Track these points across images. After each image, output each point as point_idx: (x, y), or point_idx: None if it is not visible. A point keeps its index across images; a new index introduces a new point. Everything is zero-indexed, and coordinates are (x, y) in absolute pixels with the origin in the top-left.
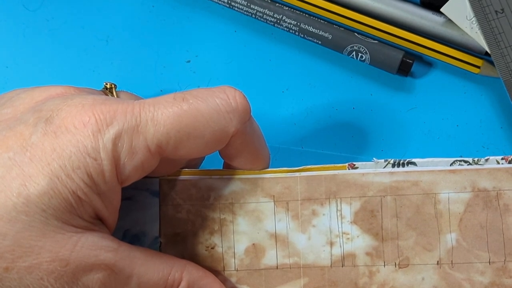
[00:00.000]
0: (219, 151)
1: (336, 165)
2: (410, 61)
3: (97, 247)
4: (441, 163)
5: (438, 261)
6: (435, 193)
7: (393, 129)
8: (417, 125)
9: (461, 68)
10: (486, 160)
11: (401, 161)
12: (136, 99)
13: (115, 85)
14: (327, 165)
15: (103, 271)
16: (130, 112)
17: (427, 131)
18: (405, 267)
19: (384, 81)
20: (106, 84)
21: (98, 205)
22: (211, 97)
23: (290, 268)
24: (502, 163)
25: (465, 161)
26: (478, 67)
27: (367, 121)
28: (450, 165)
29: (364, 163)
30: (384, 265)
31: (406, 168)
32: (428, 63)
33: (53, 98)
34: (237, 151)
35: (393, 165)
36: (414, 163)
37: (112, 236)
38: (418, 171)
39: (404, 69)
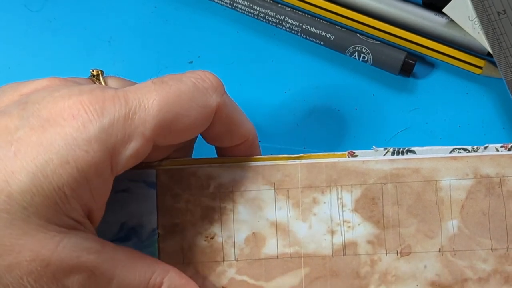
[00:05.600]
0: (207, 135)
1: (336, 153)
2: (412, 62)
3: (80, 248)
4: (440, 151)
5: (440, 249)
6: (436, 180)
7: (395, 130)
8: (419, 126)
9: (463, 69)
10: (485, 147)
11: (401, 149)
12: (126, 83)
13: (102, 71)
14: (327, 153)
15: (84, 273)
16: (117, 101)
17: (429, 131)
18: (407, 255)
19: (386, 81)
20: (93, 71)
21: (87, 200)
22: (185, 77)
23: (291, 257)
24: (501, 151)
25: (464, 149)
26: (480, 67)
27: (370, 122)
28: (450, 153)
29: (363, 151)
30: (386, 253)
31: (406, 156)
32: (430, 64)
33: (38, 91)
34: (224, 127)
35: (393, 153)
36: (413, 151)
37: (96, 236)
38: (418, 158)
39: (406, 70)
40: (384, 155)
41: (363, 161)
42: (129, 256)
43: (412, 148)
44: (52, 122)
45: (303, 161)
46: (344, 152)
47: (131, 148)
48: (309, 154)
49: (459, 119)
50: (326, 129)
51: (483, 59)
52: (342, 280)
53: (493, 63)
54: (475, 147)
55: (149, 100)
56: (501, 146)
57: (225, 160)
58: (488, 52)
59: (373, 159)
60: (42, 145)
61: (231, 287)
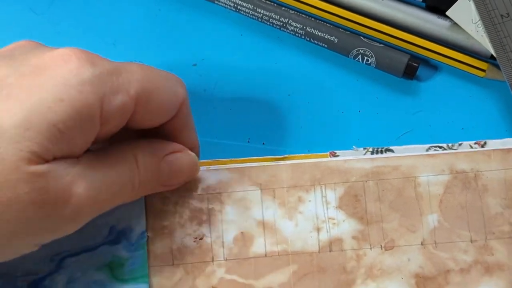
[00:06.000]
0: (165, 131)
1: (318, 153)
2: (416, 65)
3: (68, 172)
4: (417, 149)
5: (422, 242)
6: (415, 177)
7: (398, 132)
8: (422, 128)
9: (467, 72)
10: (460, 144)
11: (379, 149)
12: None
13: None
14: (310, 154)
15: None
16: (105, 60)
17: (433, 134)
18: (391, 249)
19: (389, 84)
20: None
21: (75, 142)
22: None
23: (279, 255)
24: (475, 147)
25: (440, 147)
26: (484, 70)
27: (373, 124)
28: (426, 151)
29: (344, 151)
30: (371, 248)
31: (385, 154)
32: (433, 67)
33: (20, 47)
34: (182, 122)
35: (372, 153)
36: (391, 150)
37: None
38: (397, 157)
39: (409, 73)
40: (364, 154)
41: (345, 161)
42: (104, 158)
43: (391, 147)
44: (43, 68)
45: (288, 162)
46: (326, 153)
47: (119, 100)
48: (293, 155)
49: (462, 122)
50: (329, 131)
51: (487, 62)
52: (330, 275)
53: (497, 66)
54: (450, 144)
55: (133, 68)
56: (475, 143)
57: (212, 162)
58: (492, 55)
59: (354, 158)
60: (35, 87)
61: (221, 287)
